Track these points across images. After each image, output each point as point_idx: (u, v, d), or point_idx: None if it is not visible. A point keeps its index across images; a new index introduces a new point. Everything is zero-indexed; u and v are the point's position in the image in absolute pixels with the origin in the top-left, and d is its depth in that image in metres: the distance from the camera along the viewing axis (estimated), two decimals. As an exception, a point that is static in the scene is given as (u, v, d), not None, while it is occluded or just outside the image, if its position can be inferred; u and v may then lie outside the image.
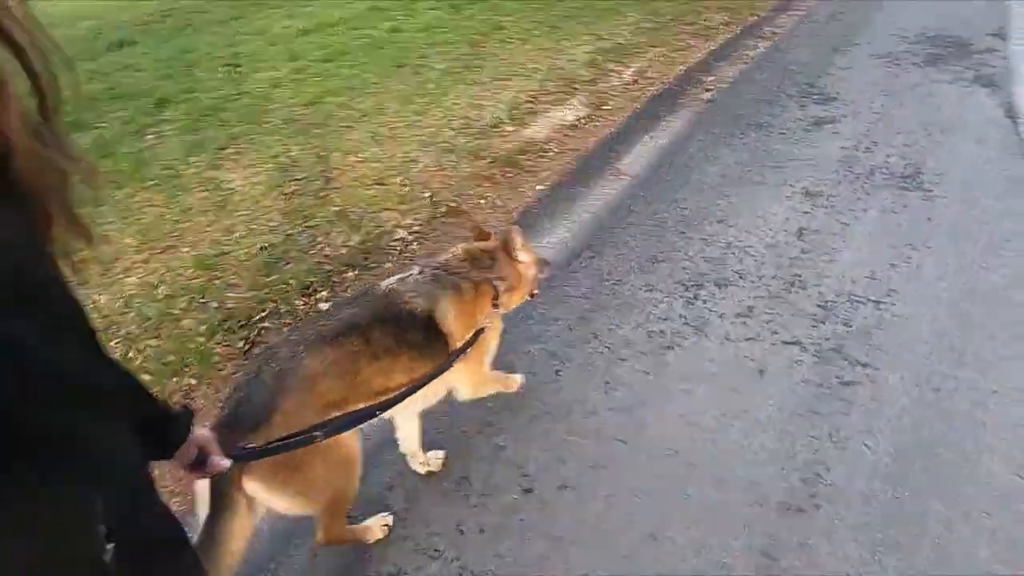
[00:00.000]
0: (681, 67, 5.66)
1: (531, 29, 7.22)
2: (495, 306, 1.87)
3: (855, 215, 3.21)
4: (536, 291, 2.15)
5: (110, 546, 0.54)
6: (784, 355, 2.37)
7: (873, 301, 2.61)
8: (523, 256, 2.00)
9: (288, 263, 3.15)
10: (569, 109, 4.95)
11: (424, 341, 1.69)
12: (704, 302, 2.69)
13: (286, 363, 1.49)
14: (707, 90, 5.11)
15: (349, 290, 2.94)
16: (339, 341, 1.56)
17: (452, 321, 1.75)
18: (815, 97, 4.70)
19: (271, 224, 3.49)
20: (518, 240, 1.98)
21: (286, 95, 5.43)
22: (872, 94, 4.67)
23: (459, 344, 1.76)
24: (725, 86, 5.15)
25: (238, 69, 6.36)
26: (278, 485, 1.45)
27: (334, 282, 3.02)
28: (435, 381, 1.69)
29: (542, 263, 2.13)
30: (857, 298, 2.63)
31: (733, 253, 2.99)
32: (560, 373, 2.36)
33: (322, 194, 3.79)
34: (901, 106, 4.43)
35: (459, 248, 1.95)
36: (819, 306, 2.61)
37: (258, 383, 1.46)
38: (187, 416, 0.92)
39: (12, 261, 0.51)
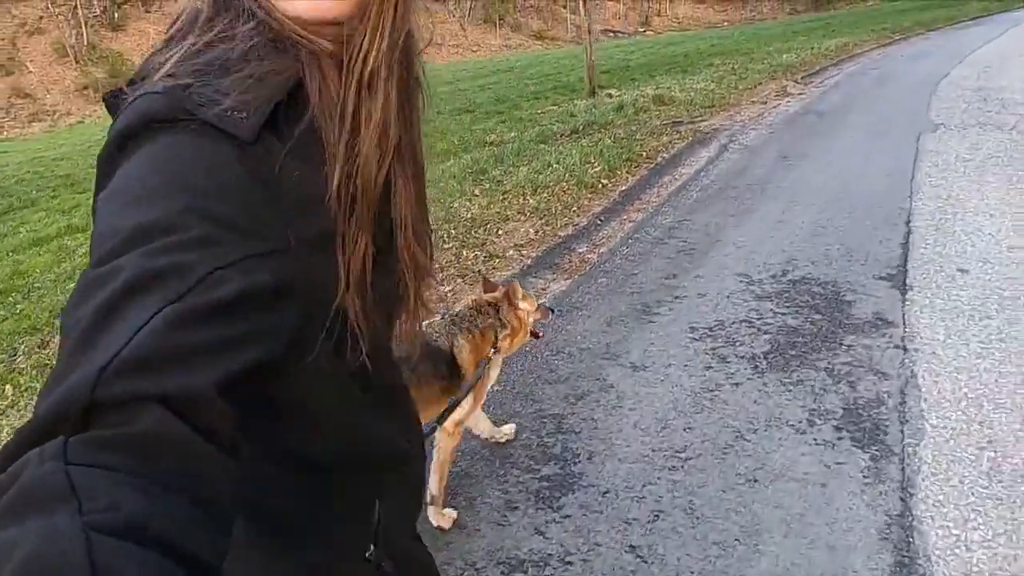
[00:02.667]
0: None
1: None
2: (496, 349, 2.20)
3: None
4: (541, 333, 2.50)
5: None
6: None
7: None
8: (523, 305, 2.31)
9: None
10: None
11: (449, 374, 2.08)
12: None
13: None
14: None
15: None
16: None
17: (466, 357, 2.12)
18: (548, 481, 2.41)
19: None
20: (519, 291, 2.30)
21: None
22: (650, 473, 2.39)
23: (469, 377, 2.13)
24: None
25: None
26: None
27: None
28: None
29: (544, 310, 2.46)
30: None
31: None
32: None
33: None
34: (703, 521, 2.13)
35: (469, 299, 2.31)
36: None
37: None
38: None
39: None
